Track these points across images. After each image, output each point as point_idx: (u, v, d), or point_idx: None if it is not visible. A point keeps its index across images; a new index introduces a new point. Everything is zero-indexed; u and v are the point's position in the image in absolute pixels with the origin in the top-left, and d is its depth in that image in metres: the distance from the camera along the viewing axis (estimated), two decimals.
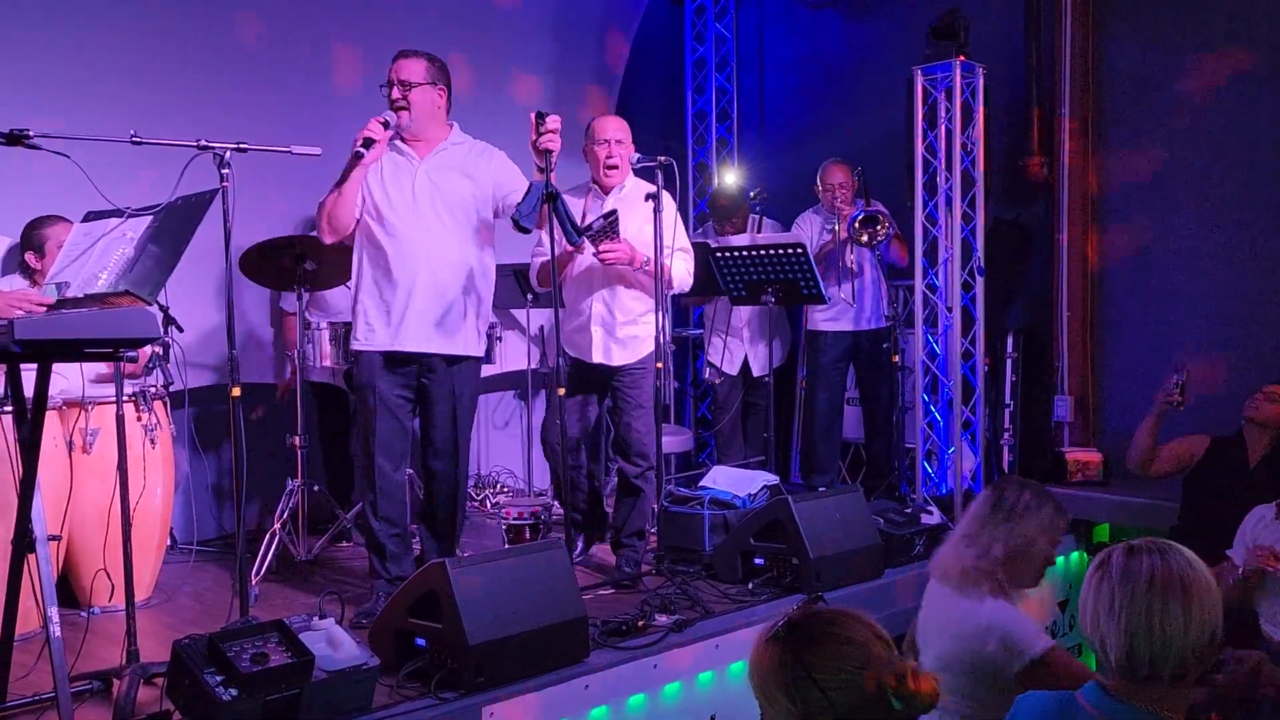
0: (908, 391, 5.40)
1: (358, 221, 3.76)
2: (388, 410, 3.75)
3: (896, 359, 5.33)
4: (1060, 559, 4.95)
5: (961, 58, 4.95)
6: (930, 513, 4.61)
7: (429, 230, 3.73)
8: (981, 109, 5.04)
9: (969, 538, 2.74)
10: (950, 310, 5.05)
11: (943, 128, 5.04)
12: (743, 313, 5.78)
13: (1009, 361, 5.64)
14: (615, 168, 4.17)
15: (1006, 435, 5.54)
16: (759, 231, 5.86)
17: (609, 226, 3.92)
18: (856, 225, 5.22)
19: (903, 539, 4.34)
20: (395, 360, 3.75)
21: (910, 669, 1.68)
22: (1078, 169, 5.48)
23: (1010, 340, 5.66)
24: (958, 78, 4.95)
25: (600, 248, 3.94)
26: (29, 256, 4.06)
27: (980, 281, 5.06)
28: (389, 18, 5.52)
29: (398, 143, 3.78)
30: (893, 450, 5.73)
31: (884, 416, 5.70)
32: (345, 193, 3.68)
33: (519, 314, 5.96)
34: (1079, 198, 5.49)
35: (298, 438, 4.45)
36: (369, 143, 3.56)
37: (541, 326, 5.99)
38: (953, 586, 2.72)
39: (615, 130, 4.19)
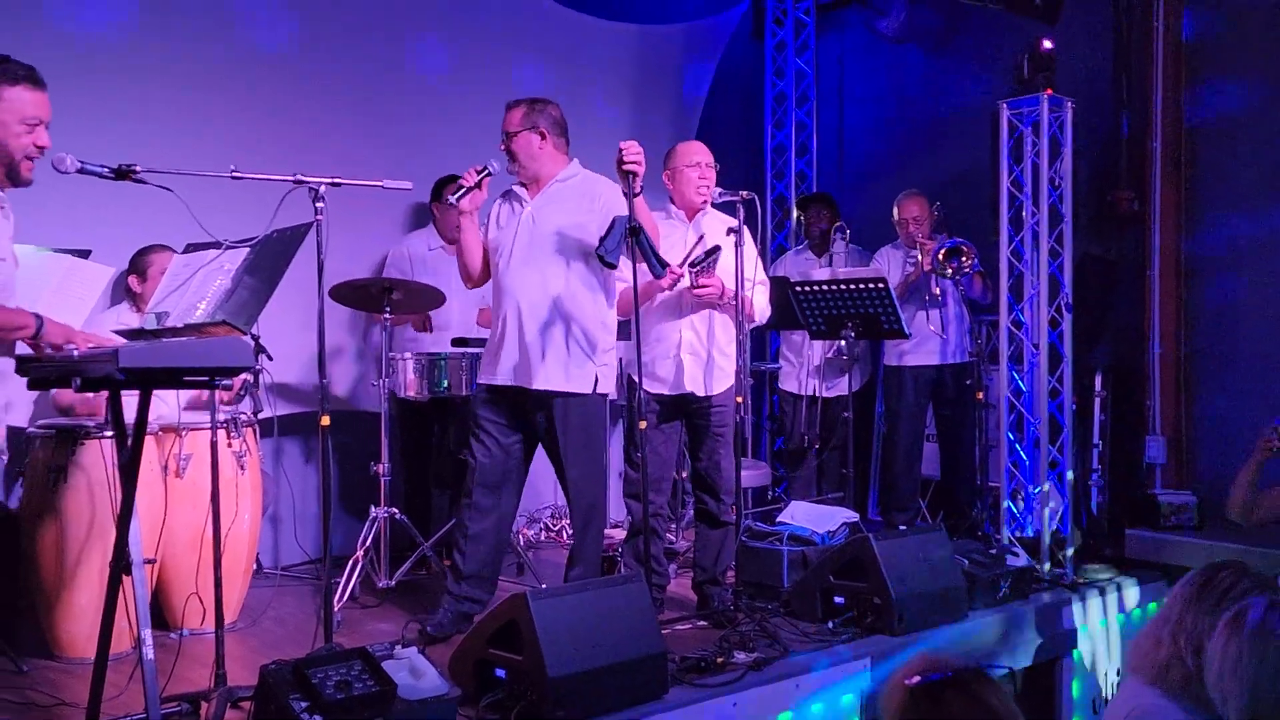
0: (990, 429, 5.29)
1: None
2: (486, 442, 3.85)
3: (981, 396, 5.24)
4: (1152, 604, 4.79)
5: (1049, 91, 4.88)
6: (1016, 554, 4.49)
7: (526, 271, 3.83)
8: (1070, 143, 4.96)
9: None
10: (1037, 347, 4.95)
11: (1029, 162, 4.96)
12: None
13: (1097, 400, 5.50)
14: (706, 190, 4.17)
15: (1095, 476, 5.39)
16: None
17: (710, 262, 3.95)
18: (940, 257, 5.16)
19: (988, 580, 4.23)
20: (498, 394, 3.86)
21: None
22: (1169, 203, 5.35)
23: (1099, 378, 5.52)
24: (1045, 111, 4.88)
25: (698, 280, 3.96)
26: (132, 280, 4.23)
27: (1068, 318, 4.96)
28: (469, 49, 5.65)
29: (516, 188, 3.95)
30: (974, 489, 5.62)
31: (965, 454, 5.59)
32: (461, 241, 3.91)
33: None
34: (1171, 232, 5.35)
35: (382, 465, 4.51)
36: (462, 191, 3.73)
37: (620, 359, 6.00)
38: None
39: (705, 153, 4.22)
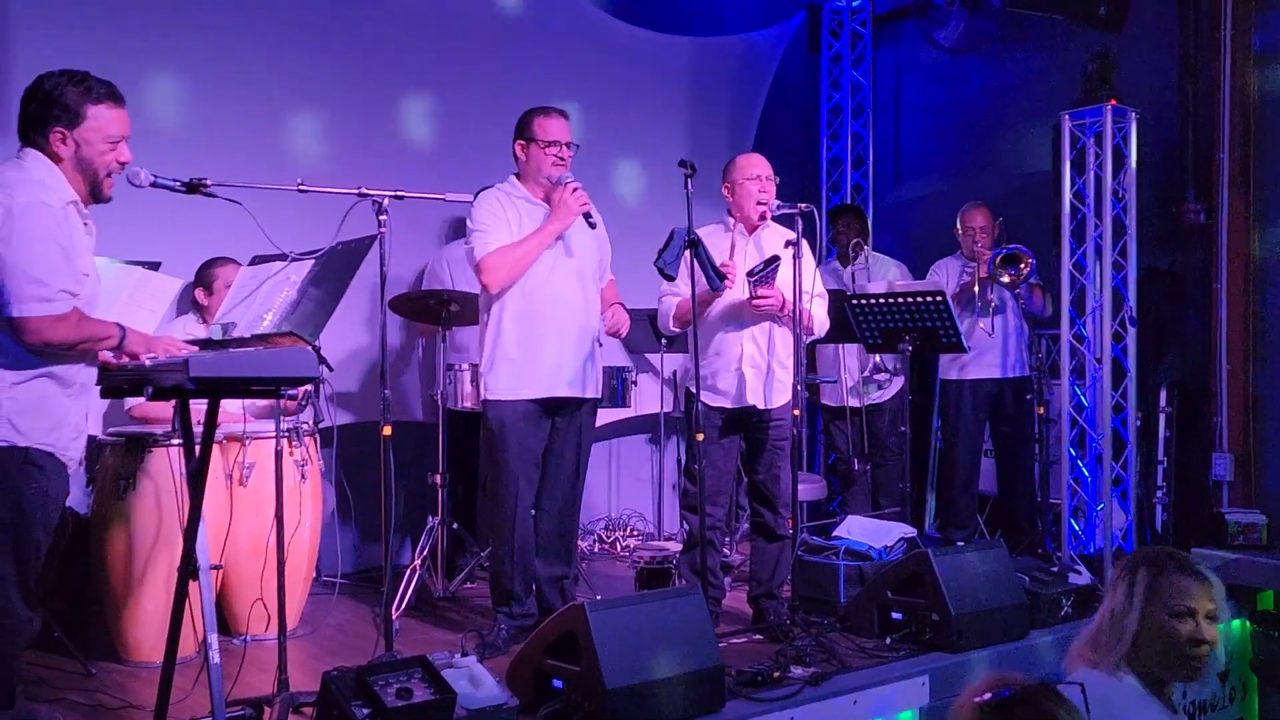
0: (1051, 445, 5.21)
1: None
2: (525, 457, 3.86)
3: (1041, 411, 5.16)
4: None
5: (1113, 101, 4.81)
6: (1078, 572, 4.41)
7: (564, 284, 3.86)
8: (1134, 154, 4.88)
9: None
10: (1099, 361, 4.87)
11: (1092, 173, 4.89)
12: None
13: (1162, 416, 5.39)
14: (766, 203, 4.14)
15: (1160, 493, 5.28)
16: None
17: (770, 272, 3.94)
18: (997, 263, 5.10)
19: (1049, 599, 4.16)
20: (538, 407, 3.86)
21: None
22: (1237, 214, 5.24)
23: (1164, 394, 5.41)
24: (1109, 122, 4.81)
25: (758, 292, 3.95)
26: (198, 293, 4.32)
27: (1132, 331, 4.87)
28: (523, 65, 5.70)
29: (536, 199, 3.91)
30: (1033, 506, 5.53)
31: (1024, 470, 5.51)
32: (543, 248, 3.81)
33: (653, 358, 5.99)
34: (1239, 245, 5.24)
35: (439, 476, 4.55)
36: (593, 221, 3.83)
37: (674, 371, 6.01)
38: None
39: (765, 166, 4.20)
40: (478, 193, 4.45)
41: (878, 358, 5.51)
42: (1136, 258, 4.90)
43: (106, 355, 2.83)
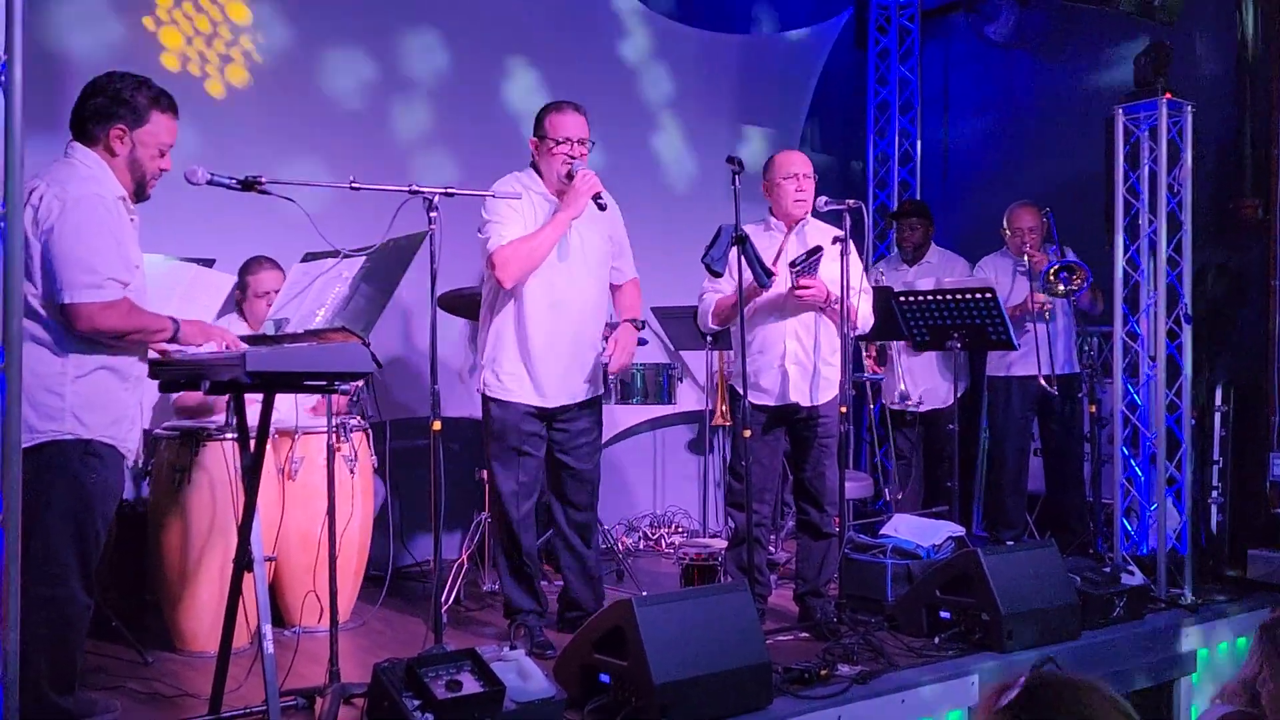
0: (1103, 444, 5.13)
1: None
2: (525, 462, 3.86)
3: (1093, 409, 5.09)
4: None
5: (1168, 95, 4.72)
6: (1131, 573, 4.34)
7: (581, 283, 3.85)
8: (1190, 148, 4.80)
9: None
10: (1153, 359, 4.79)
11: (1146, 169, 4.81)
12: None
13: (1217, 415, 5.29)
14: (803, 201, 4.13)
15: (1215, 494, 5.19)
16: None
17: (812, 263, 3.92)
18: (1051, 277, 5.03)
19: (1102, 599, 4.10)
20: (537, 410, 3.85)
21: None
22: None
23: (1219, 392, 5.31)
24: (1164, 116, 4.72)
25: (799, 282, 3.93)
26: (237, 294, 4.32)
27: (1187, 329, 4.78)
28: (561, 70, 5.72)
29: (548, 192, 3.86)
30: (1084, 506, 5.45)
31: (1074, 469, 5.44)
32: (555, 241, 3.76)
33: (697, 355, 5.99)
34: None
35: (486, 471, 4.57)
36: (602, 202, 3.74)
37: (718, 369, 6.00)
38: None
39: (802, 164, 4.17)
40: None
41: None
42: (1191, 253, 4.81)
43: (163, 347, 2.88)
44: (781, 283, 4.00)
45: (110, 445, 2.79)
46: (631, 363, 4.18)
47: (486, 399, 3.87)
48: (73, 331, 2.73)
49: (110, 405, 2.80)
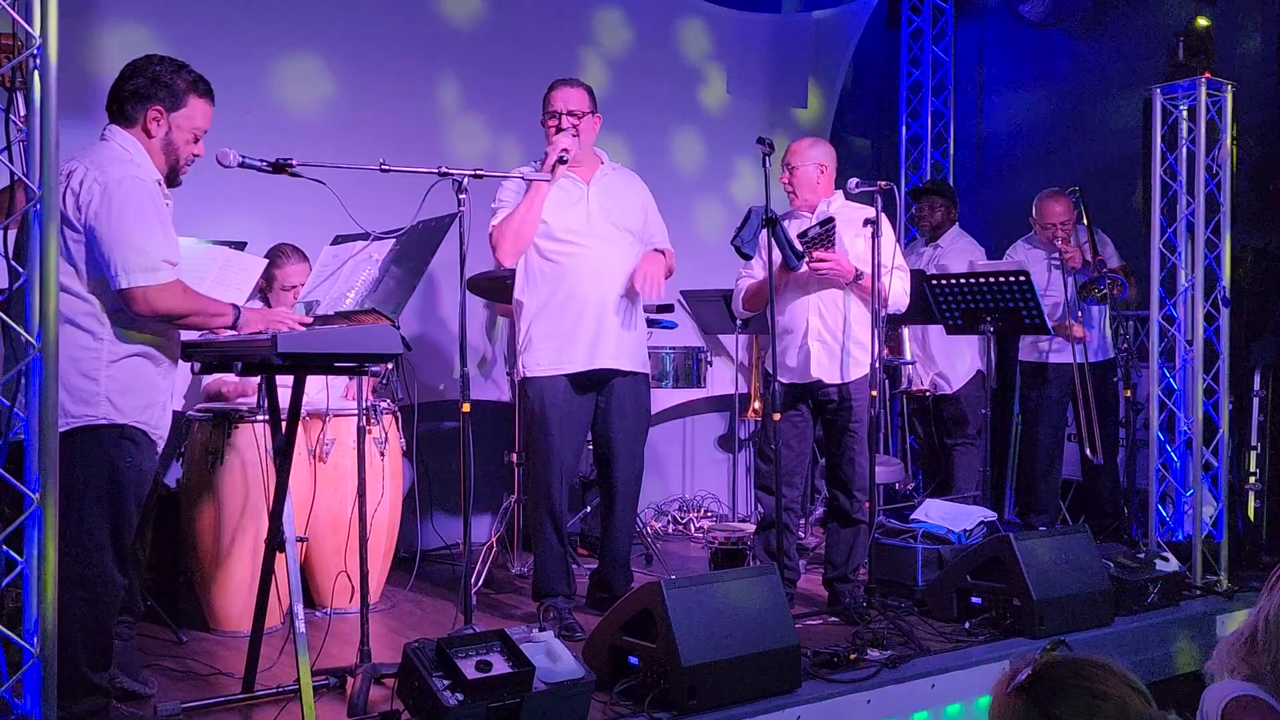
0: (1139, 429, 5.07)
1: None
2: (572, 432, 3.85)
3: (1129, 394, 5.02)
4: None
5: (1207, 74, 4.63)
6: (1166, 559, 4.29)
7: (608, 249, 3.83)
8: (1229, 128, 4.71)
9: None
10: (1190, 343, 4.72)
11: (1184, 149, 4.72)
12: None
13: (1256, 400, 5.21)
14: (790, 192, 4.20)
15: (1253, 480, 5.11)
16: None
17: (825, 234, 3.89)
18: (1089, 289, 4.96)
19: (1135, 585, 4.06)
20: (582, 380, 3.83)
21: None
22: None
23: (1258, 377, 5.23)
24: (1202, 96, 4.64)
25: (814, 254, 3.90)
26: (261, 282, 4.30)
27: (1225, 312, 4.71)
28: (585, 52, 5.70)
29: (568, 171, 3.84)
30: (1118, 491, 5.39)
31: (1109, 455, 5.37)
32: (536, 210, 3.75)
33: (728, 339, 5.97)
34: None
35: (515, 454, 4.59)
36: (565, 156, 3.69)
37: (753, 359, 5.99)
38: None
39: (790, 155, 4.22)
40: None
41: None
42: (1230, 236, 4.73)
43: (223, 334, 2.90)
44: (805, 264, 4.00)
45: (142, 430, 2.81)
46: (662, 288, 4.10)
47: (527, 381, 3.85)
48: (131, 315, 2.73)
49: (144, 391, 2.81)
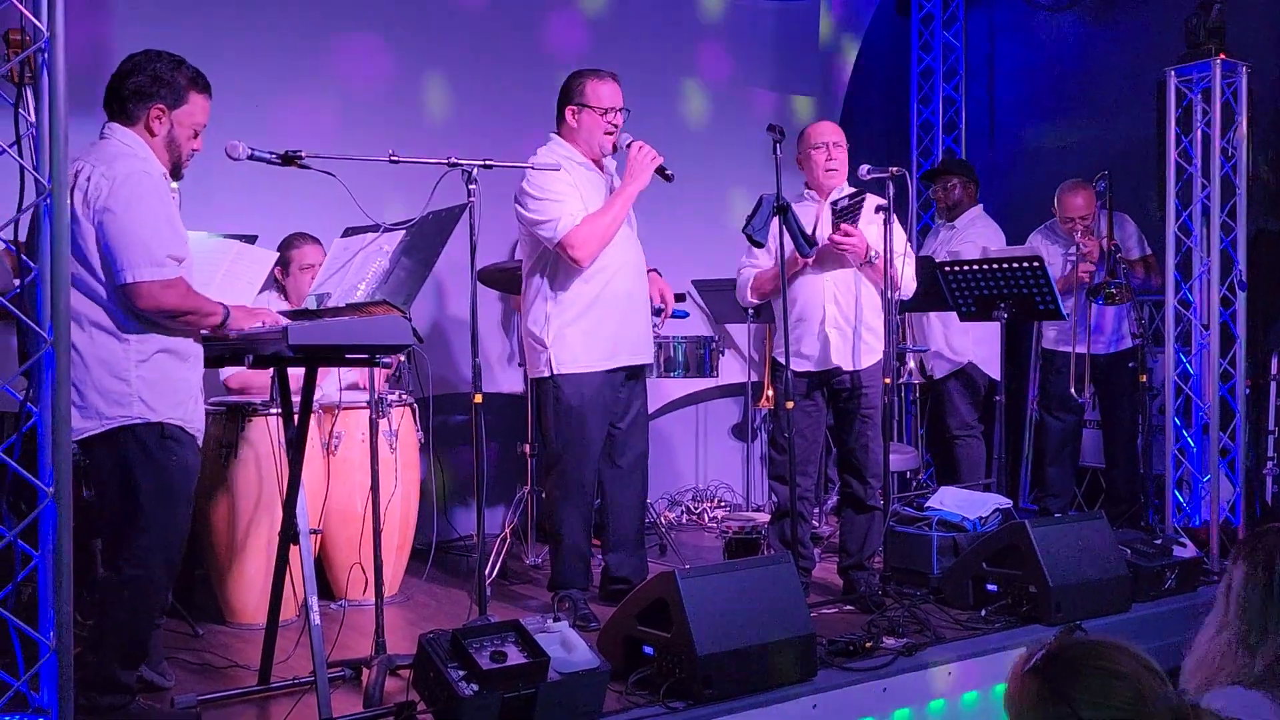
0: (1155, 414, 5.03)
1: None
2: (605, 426, 3.86)
3: (1144, 379, 4.99)
4: None
5: (1222, 56, 4.59)
6: (1183, 545, 4.26)
7: (630, 244, 3.86)
8: (1245, 111, 4.66)
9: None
10: (1207, 327, 4.68)
11: (1199, 132, 4.68)
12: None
13: (1273, 384, 5.17)
14: (835, 170, 4.12)
15: (1270, 465, 5.08)
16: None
17: (854, 206, 3.88)
18: (1094, 289, 4.92)
19: (1152, 572, 4.03)
20: (619, 374, 3.84)
21: (1191, 707, 1.54)
22: None
23: (1275, 361, 5.19)
24: (1217, 78, 4.59)
25: (841, 228, 3.89)
26: (277, 271, 4.31)
27: (1241, 296, 4.67)
28: (605, 38, 5.67)
29: (589, 162, 3.84)
30: (1135, 477, 5.35)
31: (1126, 440, 5.34)
32: (624, 212, 3.75)
33: (739, 328, 5.95)
34: None
35: (528, 445, 4.59)
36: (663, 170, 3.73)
37: (762, 341, 5.96)
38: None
39: (831, 134, 4.16)
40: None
41: None
42: (1246, 219, 4.69)
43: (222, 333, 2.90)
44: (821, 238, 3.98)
45: (180, 426, 2.81)
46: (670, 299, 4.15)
47: (562, 378, 3.78)
48: (133, 311, 2.72)
49: (175, 387, 2.81)
